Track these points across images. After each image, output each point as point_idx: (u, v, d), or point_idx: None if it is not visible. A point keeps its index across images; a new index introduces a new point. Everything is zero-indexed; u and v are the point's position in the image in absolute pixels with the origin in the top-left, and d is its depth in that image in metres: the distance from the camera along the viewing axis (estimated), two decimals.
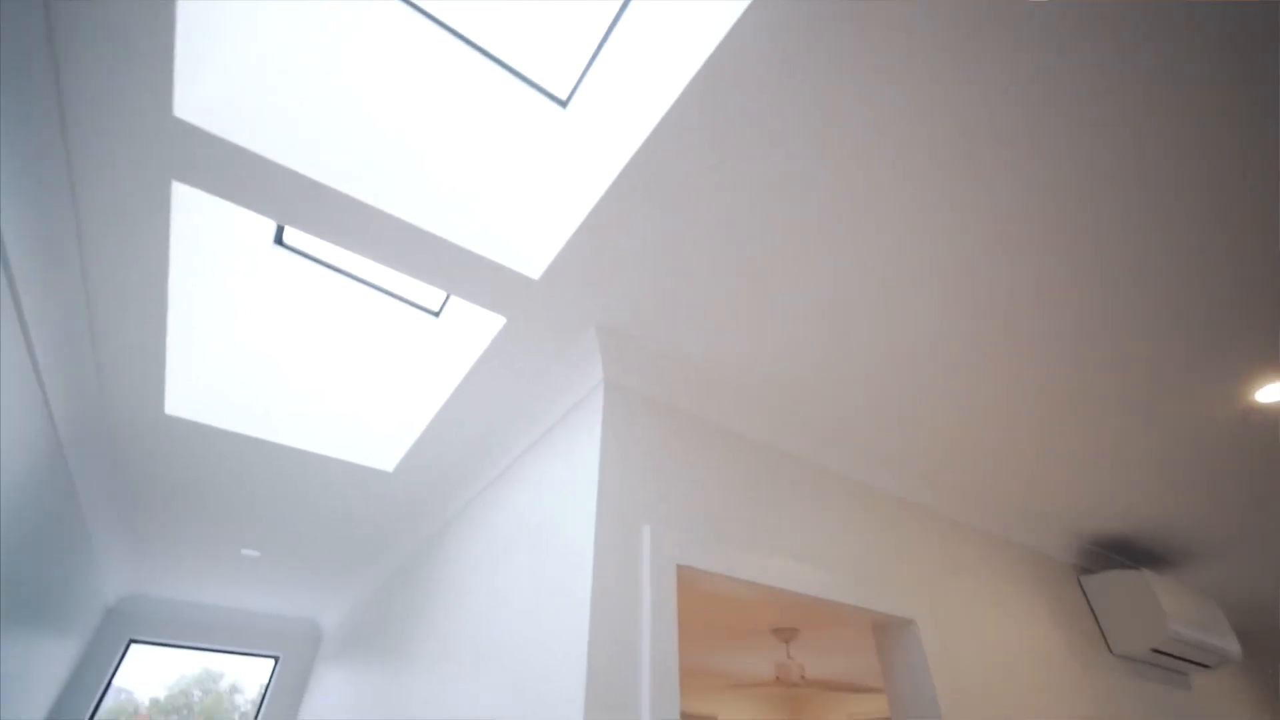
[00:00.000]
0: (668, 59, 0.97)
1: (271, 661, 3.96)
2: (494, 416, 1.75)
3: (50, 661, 2.68)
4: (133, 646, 3.68)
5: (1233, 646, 2.46)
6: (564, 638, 1.13)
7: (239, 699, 4.12)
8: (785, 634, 3.80)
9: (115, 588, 3.32)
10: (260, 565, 2.95)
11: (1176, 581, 2.50)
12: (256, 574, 3.11)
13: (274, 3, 1.03)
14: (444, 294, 2.13)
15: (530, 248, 1.26)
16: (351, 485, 2.12)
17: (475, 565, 1.81)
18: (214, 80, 1.01)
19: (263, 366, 1.90)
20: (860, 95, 0.93)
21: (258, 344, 1.88)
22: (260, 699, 3.84)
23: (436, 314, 2.18)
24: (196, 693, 4.04)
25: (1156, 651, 2.26)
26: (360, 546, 2.68)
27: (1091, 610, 2.39)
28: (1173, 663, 2.38)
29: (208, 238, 1.41)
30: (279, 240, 2.00)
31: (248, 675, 3.87)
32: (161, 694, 3.91)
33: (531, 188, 1.26)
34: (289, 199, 1.11)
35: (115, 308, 1.41)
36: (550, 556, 1.33)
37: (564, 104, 1.23)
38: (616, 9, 1.09)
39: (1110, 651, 2.30)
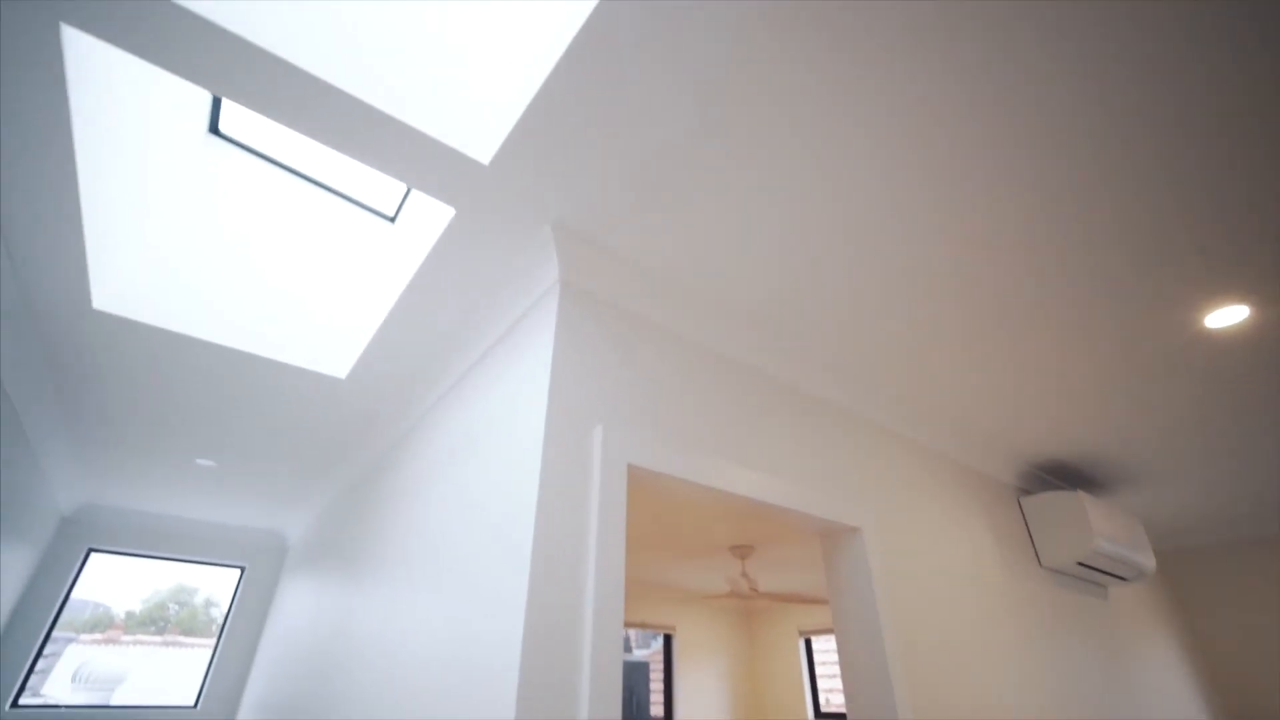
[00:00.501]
0: None
1: (238, 572, 4.01)
2: (447, 320, 1.69)
3: (3, 569, 2.65)
4: (94, 556, 3.68)
5: (1149, 563, 2.65)
6: (509, 540, 1.13)
7: (214, 612, 4.22)
8: (742, 550, 3.97)
9: (69, 497, 3.26)
10: (217, 476, 2.92)
11: (1108, 503, 2.66)
12: (215, 485, 3.08)
13: None
14: (398, 199, 2.02)
15: (479, 131, 1.17)
16: (304, 393, 2.07)
17: (427, 474, 1.80)
18: None
19: (204, 265, 1.79)
20: None
21: (198, 241, 1.76)
22: (228, 607, 3.90)
23: (392, 219, 2.06)
24: (172, 606, 4.10)
25: (1082, 565, 2.42)
26: (318, 458, 2.65)
27: (1027, 527, 2.53)
28: (1095, 575, 2.56)
29: (132, 122, 1.27)
30: (214, 129, 1.84)
31: (222, 590, 3.93)
32: (137, 608, 3.96)
33: (480, 64, 1.15)
34: (217, 63, 0.99)
35: (19, 187, 1.28)
36: (499, 459, 1.32)
37: None
38: None
39: (1039, 564, 2.46)
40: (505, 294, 1.53)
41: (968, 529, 2.18)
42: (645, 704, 6.32)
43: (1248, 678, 3.36)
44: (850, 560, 1.68)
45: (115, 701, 3.46)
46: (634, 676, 6.36)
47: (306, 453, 2.61)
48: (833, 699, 5.57)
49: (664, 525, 3.44)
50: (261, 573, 3.97)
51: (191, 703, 3.59)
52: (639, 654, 6.51)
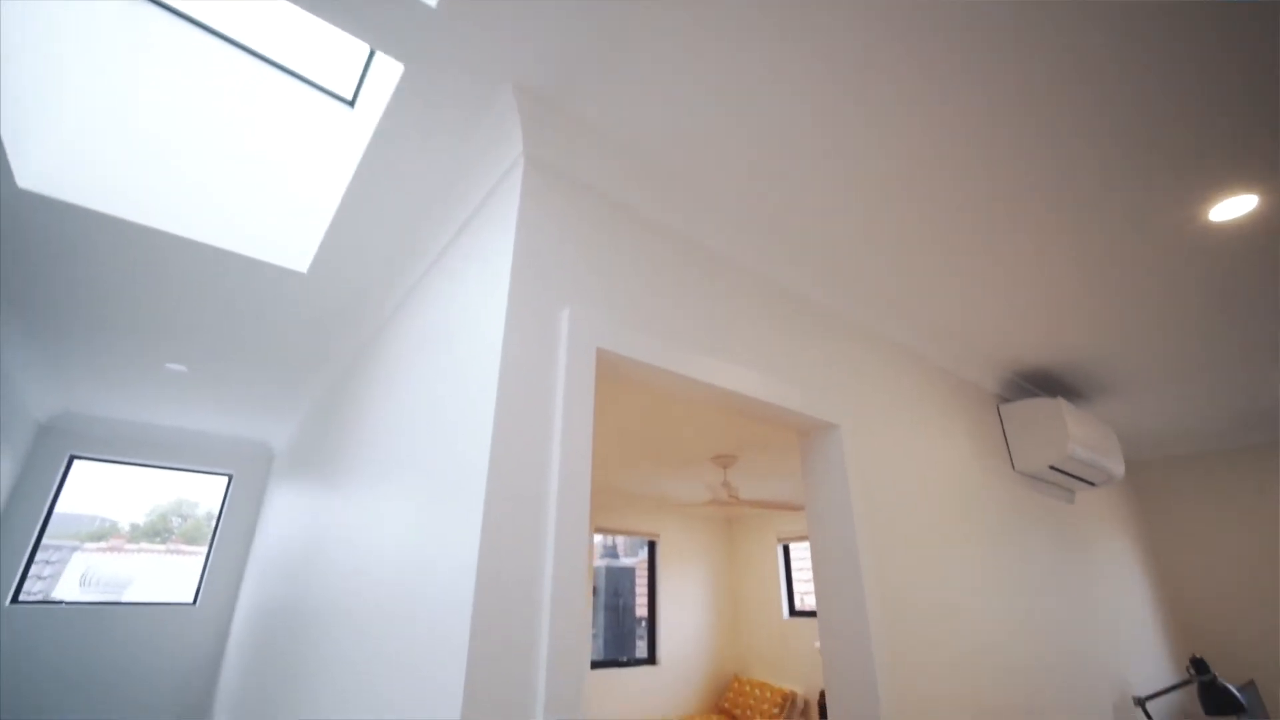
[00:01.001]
0: None
1: (225, 479, 4.05)
2: (407, 207, 1.57)
3: None
4: (78, 464, 3.68)
5: (1118, 469, 2.71)
6: (469, 433, 1.08)
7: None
8: (724, 460, 4.05)
9: (43, 404, 3.21)
10: (191, 382, 2.86)
11: (1085, 411, 2.68)
12: (192, 392, 3.03)
13: None
14: (356, 79, 1.84)
15: None
16: (265, 289, 1.97)
17: (393, 375, 1.74)
18: None
19: (148, 147, 1.64)
20: None
21: (139, 120, 1.60)
22: (218, 514, 3.97)
23: (351, 103, 1.89)
24: (175, 519, 4.17)
25: (1054, 469, 2.47)
26: (291, 362, 2.59)
27: (1004, 433, 2.56)
28: (1065, 480, 2.62)
29: None
30: None
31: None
32: (141, 520, 4.03)
33: None
34: None
35: None
36: (460, 349, 1.25)
37: None
38: None
39: (1012, 468, 2.50)
40: (466, 176, 1.42)
41: (944, 431, 2.19)
42: (631, 606, 6.68)
43: (1196, 582, 3.56)
44: (827, 456, 1.68)
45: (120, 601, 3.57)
46: (621, 581, 6.67)
47: (278, 356, 2.54)
48: (806, 599, 5.90)
49: (647, 437, 3.47)
50: (249, 480, 4.01)
51: (191, 600, 3.72)
52: (627, 561, 6.81)
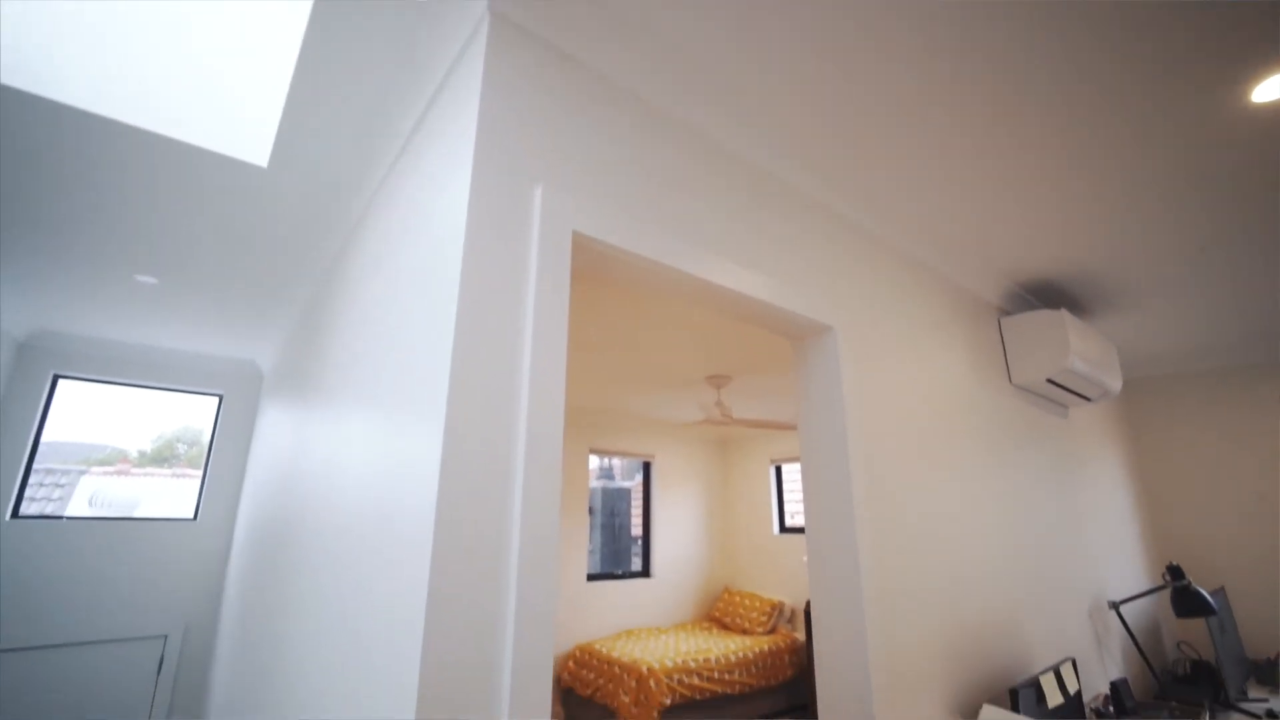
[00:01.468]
0: None
1: (216, 399, 4.03)
2: (363, 80, 1.42)
3: None
4: (63, 383, 3.64)
5: (1115, 385, 2.67)
6: (431, 332, 1.00)
7: None
8: (718, 380, 4.02)
9: (17, 321, 3.12)
10: (164, 295, 2.76)
11: (1087, 325, 2.60)
12: (167, 306, 2.94)
13: None
14: None
15: None
16: (227, 186, 1.83)
17: (363, 278, 1.65)
18: None
19: (92, 31, 1.46)
20: None
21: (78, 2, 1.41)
22: (211, 434, 3.97)
23: None
24: (181, 445, 4.21)
25: (1051, 382, 2.43)
26: (265, 270, 2.48)
27: (1002, 346, 2.50)
28: (1061, 394, 2.59)
29: None
30: None
31: None
32: (148, 447, 4.08)
33: None
34: None
35: None
36: (424, 238, 1.15)
37: None
38: None
39: (1009, 381, 2.46)
40: (426, 42, 1.26)
41: (942, 341, 2.12)
42: (627, 526, 6.88)
43: (1177, 496, 3.63)
44: (821, 360, 1.61)
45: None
46: (617, 501, 6.84)
47: (250, 264, 2.43)
48: (796, 518, 6.08)
49: (641, 358, 3.41)
50: (239, 400, 3.99)
51: (191, 516, 3.78)
52: (624, 483, 6.96)
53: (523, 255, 1.02)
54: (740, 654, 4.73)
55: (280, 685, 1.61)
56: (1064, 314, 2.33)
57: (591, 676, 4.59)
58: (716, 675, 4.49)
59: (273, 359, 3.66)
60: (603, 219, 1.12)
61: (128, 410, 3.87)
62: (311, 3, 1.20)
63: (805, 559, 5.11)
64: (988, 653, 1.85)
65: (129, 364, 3.68)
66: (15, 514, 3.28)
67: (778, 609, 5.50)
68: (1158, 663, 3.07)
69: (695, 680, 4.35)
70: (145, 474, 4.02)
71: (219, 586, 3.66)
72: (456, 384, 0.89)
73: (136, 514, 3.72)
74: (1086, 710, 1.98)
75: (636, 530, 6.19)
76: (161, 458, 4.13)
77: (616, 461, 6.52)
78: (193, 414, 4.08)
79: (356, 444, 1.35)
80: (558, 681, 4.88)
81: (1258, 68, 1.32)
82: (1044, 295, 2.61)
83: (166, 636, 3.48)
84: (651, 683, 4.14)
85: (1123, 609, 2.80)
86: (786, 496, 6.23)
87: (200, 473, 3.91)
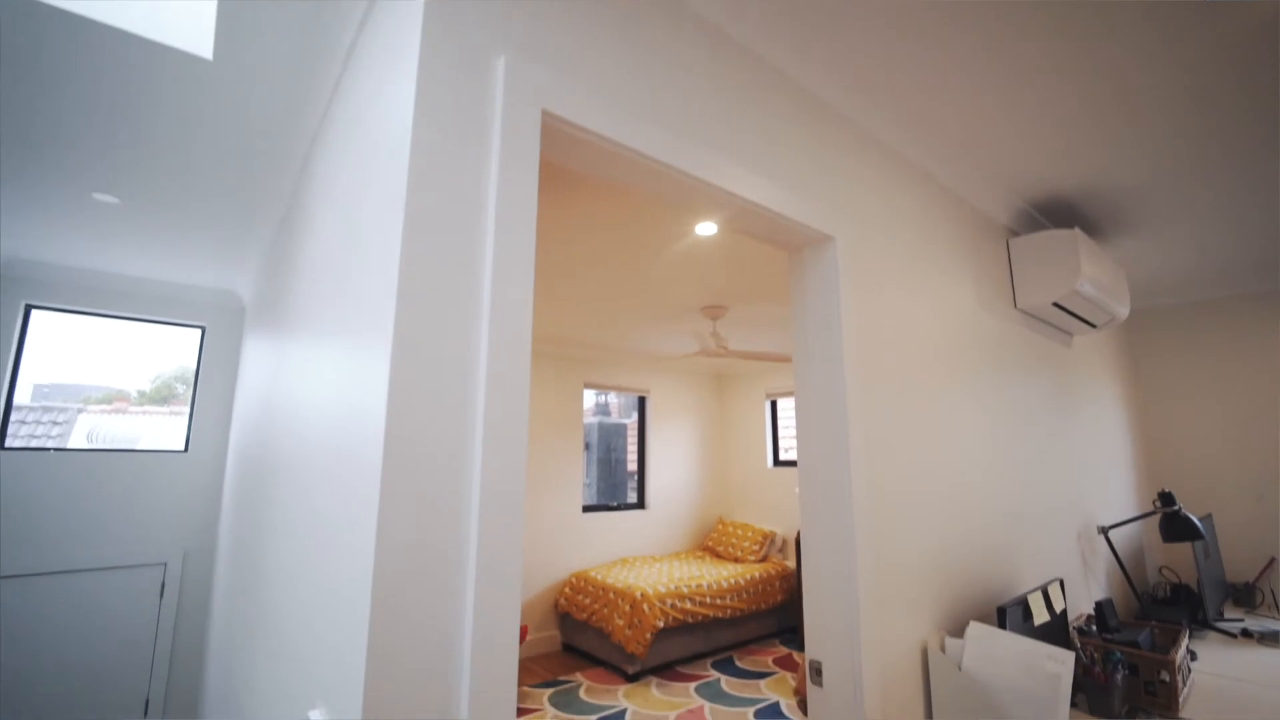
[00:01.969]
0: None
1: (199, 332, 3.93)
2: None
3: None
4: (37, 314, 3.52)
5: (1123, 311, 2.58)
6: (380, 236, 0.89)
7: None
8: (713, 311, 3.92)
9: None
10: (128, 216, 2.61)
11: (1099, 248, 2.49)
12: (134, 230, 2.79)
13: None
14: None
15: None
16: (174, 82, 1.67)
17: (320, 191, 1.51)
18: None
19: None
20: None
21: None
22: (196, 368, 3.90)
23: None
24: (180, 386, 4.19)
25: (1057, 306, 2.33)
26: (229, 186, 2.33)
27: (1010, 268, 2.39)
28: (1067, 320, 2.50)
29: None
30: None
31: None
32: (148, 387, 4.07)
33: None
34: None
35: None
36: (374, 127, 1.02)
37: None
38: None
39: (1014, 305, 2.37)
40: None
41: (946, 259, 2.01)
42: (623, 460, 6.95)
43: (1170, 426, 3.61)
44: (820, 272, 1.51)
45: None
46: (614, 437, 6.88)
47: (213, 181, 2.28)
48: (790, 452, 6.13)
49: (635, 287, 3.30)
50: (222, 332, 3.90)
51: (182, 448, 3.76)
52: (620, 420, 6.98)
53: (482, 140, 0.89)
54: (732, 580, 4.87)
55: (261, 615, 1.59)
56: (1077, 233, 2.21)
57: (587, 602, 4.73)
58: (709, 600, 4.63)
59: (252, 289, 3.54)
60: (578, 98, 0.99)
61: (126, 352, 3.86)
62: None
63: (798, 490, 5.17)
64: (978, 574, 1.84)
65: (105, 294, 3.56)
66: (1, 446, 3.25)
67: (769, 538, 5.62)
68: (1140, 586, 3.13)
69: (688, 605, 4.48)
70: (143, 412, 4.03)
71: (214, 515, 3.68)
72: (406, 294, 0.79)
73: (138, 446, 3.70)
74: (1070, 629, 2.01)
75: (632, 466, 6.25)
76: (161, 397, 4.14)
77: (614, 400, 6.51)
78: (190, 355, 4.06)
79: (317, 371, 1.27)
80: (554, 606, 5.04)
81: None
82: (1056, 216, 2.48)
83: (166, 564, 3.53)
84: (645, 607, 4.26)
85: (1110, 534, 2.83)
86: (781, 431, 6.26)
87: (189, 405, 3.87)
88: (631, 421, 6.39)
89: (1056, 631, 1.85)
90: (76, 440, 3.67)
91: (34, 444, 3.41)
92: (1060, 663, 1.38)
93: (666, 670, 4.42)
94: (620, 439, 6.87)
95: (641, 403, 6.24)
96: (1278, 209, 2.36)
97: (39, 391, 3.57)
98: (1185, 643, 2.03)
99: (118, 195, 2.40)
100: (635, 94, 1.11)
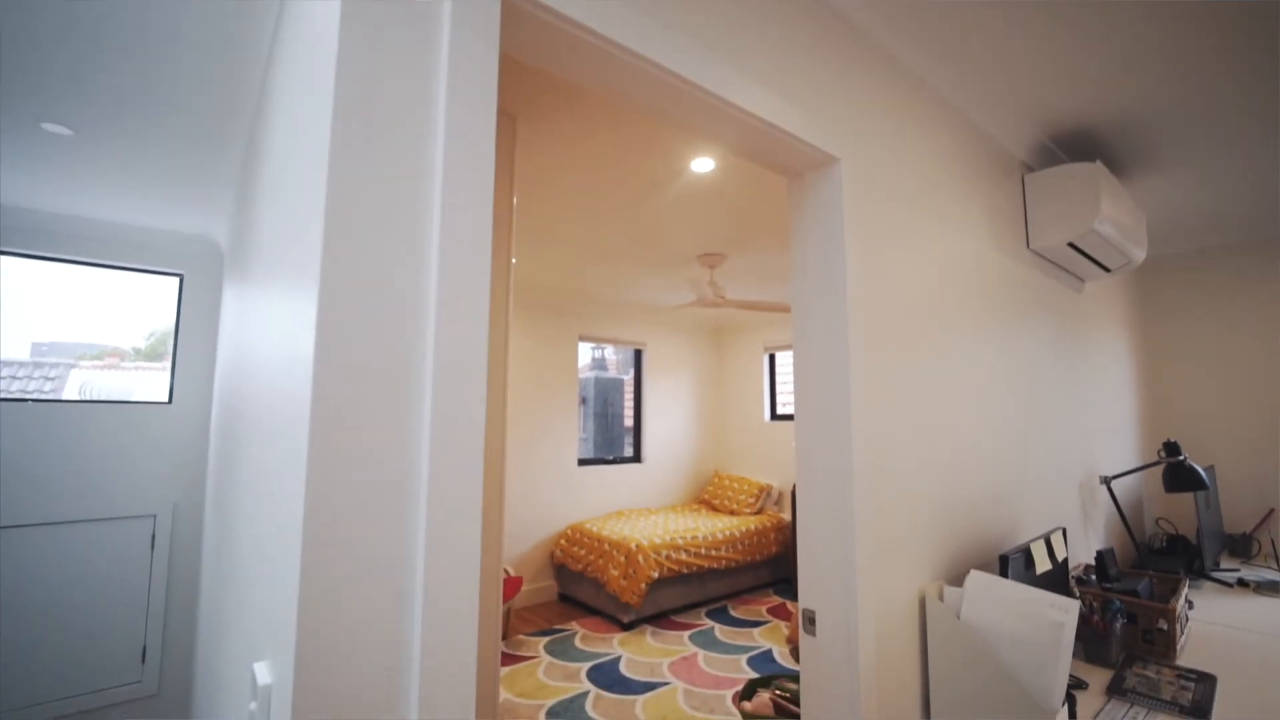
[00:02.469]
0: None
1: (177, 280, 3.79)
2: None
3: None
4: (5, 260, 3.38)
5: (1139, 254, 2.46)
6: (308, 161, 0.76)
7: None
8: (711, 259, 3.78)
9: None
10: (86, 149, 2.44)
11: (1121, 186, 2.34)
12: (96, 166, 2.62)
13: None
14: None
15: None
16: (107, 2, 1.49)
17: (270, 121, 1.36)
18: None
19: None
20: None
21: None
22: (176, 319, 3.78)
23: None
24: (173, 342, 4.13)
25: (1072, 246, 2.20)
26: (186, 117, 2.16)
27: (1024, 207, 2.25)
28: (1080, 263, 2.38)
29: None
30: None
31: None
32: (143, 344, 3.99)
33: None
34: None
35: None
36: (303, 42, 0.87)
37: None
38: None
39: (1026, 246, 2.24)
40: None
41: (958, 192, 1.88)
42: (620, 415, 6.90)
43: (1175, 375, 3.53)
44: (823, 198, 1.38)
45: None
46: (610, 392, 6.82)
47: (167, 110, 2.11)
48: (788, 406, 6.07)
49: (630, 234, 3.14)
50: (201, 280, 3.76)
51: (166, 399, 3.68)
52: (617, 375, 6.90)
53: (426, 37, 0.75)
54: (727, 532, 4.88)
55: (231, 565, 1.53)
56: (1099, 166, 2.06)
57: (582, 553, 4.75)
58: (704, 551, 4.65)
59: (227, 233, 3.38)
60: None
61: (122, 309, 3.77)
62: None
63: (795, 436, 5.14)
64: (978, 523, 1.78)
65: (74, 239, 3.40)
66: None
67: (765, 491, 5.63)
68: (1137, 537, 3.11)
69: (683, 556, 4.50)
70: (136, 368, 3.99)
71: (202, 467, 3.63)
72: (336, 203, 0.67)
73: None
74: (1069, 578, 1.97)
75: (630, 422, 6.20)
76: (155, 354, 4.10)
77: (611, 355, 6.42)
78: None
79: (269, 313, 1.15)
80: (550, 557, 5.08)
81: None
82: (1076, 150, 2.32)
83: (155, 516, 3.50)
84: (640, 558, 4.28)
85: (1112, 484, 2.78)
86: (779, 386, 6.20)
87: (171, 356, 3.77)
88: (629, 378, 6.32)
89: (1057, 580, 1.81)
90: (69, 394, 3.61)
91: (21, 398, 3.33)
92: (1064, 611, 1.32)
93: (661, 619, 4.47)
94: (618, 394, 6.81)
95: (638, 356, 6.15)
96: None
97: (38, 349, 3.52)
98: (1185, 592, 2.00)
99: (69, 126, 2.23)
100: None
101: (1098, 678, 1.66)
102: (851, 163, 1.38)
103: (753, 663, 3.71)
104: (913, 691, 1.44)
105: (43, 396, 3.47)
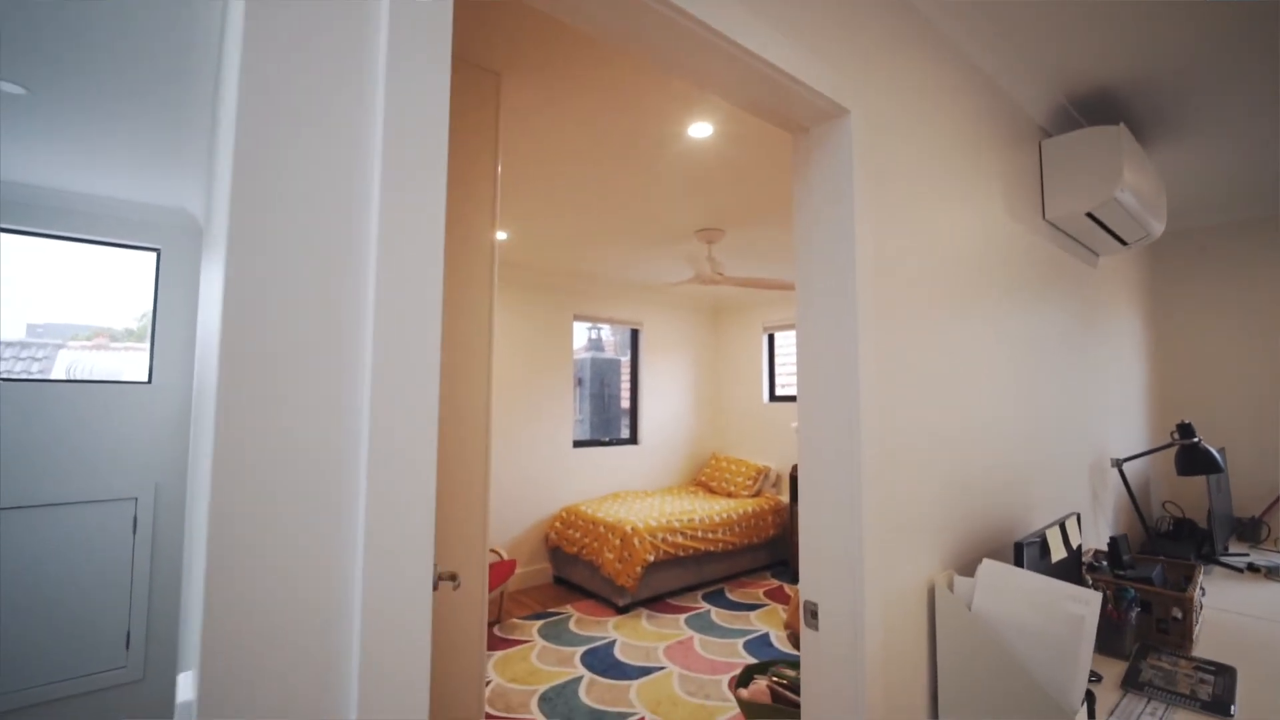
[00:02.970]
0: None
1: (154, 255, 3.65)
2: None
3: None
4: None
5: (1158, 227, 2.33)
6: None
7: None
8: (709, 235, 3.65)
9: None
10: (41, 109, 2.29)
11: (1144, 153, 2.21)
12: (55, 129, 2.48)
13: None
14: None
15: None
16: None
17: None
18: None
19: None
20: None
21: None
22: (154, 295, 3.65)
23: None
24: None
25: (1090, 216, 2.08)
26: (144, 76, 2.01)
27: (1040, 175, 2.12)
28: (1096, 235, 2.25)
29: None
30: None
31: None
32: (134, 325, 3.90)
33: None
34: None
35: None
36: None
37: None
38: None
39: (1042, 216, 2.12)
40: None
41: (972, 157, 1.75)
42: (616, 396, 6.81)
43: (1188, 356, 3.43)
44: (831, 152, 1.26)
45: None
46: (607, 373, 6.71)
47: (124, 69, 1.96)
48: (788, 388, 5.97)
49: (628, 208, 3.01)
50: (178, 254, 3.63)
51: (145, 379, 3.57)
52: (615, 356, 6.79)
53: None
54: (724, 515, 4.81)
55: (188, 564, 1.43)
56: (1122, 129, 1.93)
57: (577, 535, 4.68)
58: (700, 534, 4.58)
59: (204, 206, 3.24)
60: None
61: (113, 290, 3.70)
62: None
63: (795, 425, 5.06)
64: (990, 507, 1.68)
65: (43, 209, 3.26)
66: None
67: (763, 473, 5.56)
68: (1146, 521, 3.03)
69: (679, 539, 4.43)
70: (125, 349, 3.90)
71: (183, 448, 3.53)
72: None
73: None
74: (1081, 565, 1.88)
75: (627, 403, 6.11)
76: (145, 335, 4.03)
77: (608, 337, 6.29)
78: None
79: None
80: (545, 540, 5.01)
81: None
82: (1096, 114, 2.18)
83: (137, 499, 3.40)
84: (635, 540, 4.21)
85: (1124, 467, 2.69)
86: (778, 366, 6.09)
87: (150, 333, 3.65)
88: (626, 359, 6.21)
89: (1070, 569, 1.72)
90: (58, 374, 3.53)
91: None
92: (1085, 604, 1.23)
93: (657, 602, 4.42)
94: (614, 375, 6.70)
95: (635, 336, 6.03)
96: None
97: (33, 330, 3.46)
98: (1200, 579, 1.92)
99: (23, 85, 2.08)
100: None
101: (1111, 670, 1.58)
102: (862, 115, 1.26)
103: (749, 647, 3.66)
104: (920, 688, 1.35)
105: (29, 376, 3.37)
